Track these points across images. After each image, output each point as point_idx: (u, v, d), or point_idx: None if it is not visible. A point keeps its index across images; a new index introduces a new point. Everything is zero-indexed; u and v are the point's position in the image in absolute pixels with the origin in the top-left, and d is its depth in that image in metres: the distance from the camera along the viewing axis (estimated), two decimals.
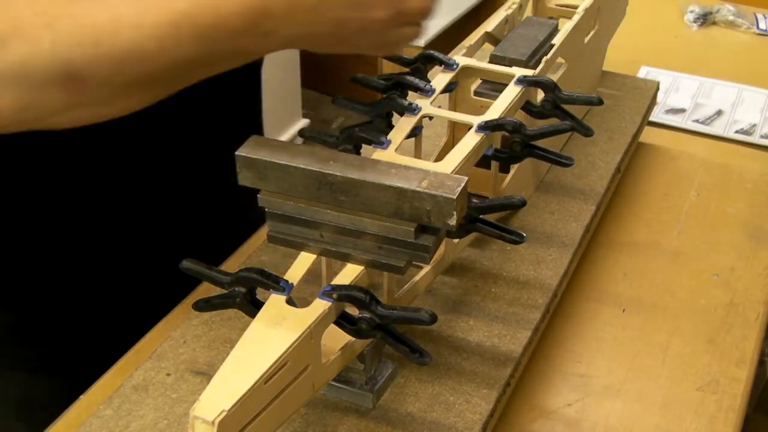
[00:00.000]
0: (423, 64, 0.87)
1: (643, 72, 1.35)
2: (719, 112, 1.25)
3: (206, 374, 0.73)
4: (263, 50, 0.65)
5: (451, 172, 0.71)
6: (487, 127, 0.77)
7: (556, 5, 1.07)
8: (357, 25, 0.65)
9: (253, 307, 0.64)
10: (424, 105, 0.80)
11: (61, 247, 0.82)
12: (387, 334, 0.63)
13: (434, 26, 2.74)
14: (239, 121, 0.91)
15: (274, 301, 0.62)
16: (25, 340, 0.86)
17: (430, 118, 0.81)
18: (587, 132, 0.82)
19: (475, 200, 0.73)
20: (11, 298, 0.84)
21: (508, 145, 0.79)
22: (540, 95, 0.84)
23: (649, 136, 1.15)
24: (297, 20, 0.62)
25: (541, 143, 0.80)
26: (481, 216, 0.73)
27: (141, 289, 0.87)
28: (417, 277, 0.75)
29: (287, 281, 0.63)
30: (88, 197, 0.80)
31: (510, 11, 0.98)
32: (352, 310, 0.63)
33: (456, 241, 0.80)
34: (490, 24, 0.97)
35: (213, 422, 0.52)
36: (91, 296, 0.86)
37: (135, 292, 0.87)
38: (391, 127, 0.80)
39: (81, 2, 0.58)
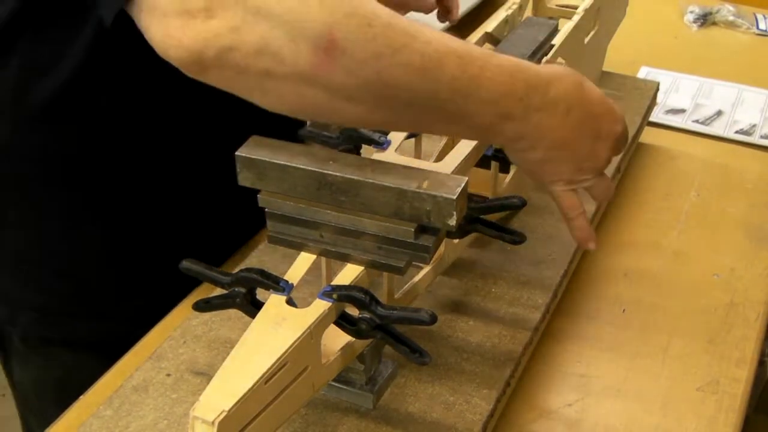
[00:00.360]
0: None
1: (643, 72, 1.35)
2: (719, 113, 1.25)
3: (206, 374, 0.73)
4: (495, 131, 0.64)
5: (451, 172, 0.71)
6: None
7: (556, 5, 1.07)
8: (588, 146, 0.68)
9: (253, 307, 0.64)
10: None
11: (67, 248, 0.82)
12: (387, 335, 0.63)
13: (434, 26, 2.74)
14: (240, 123, 0.91)
15: (274, 302, 0.62)
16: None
17: None
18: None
19: (475, 200, 0.73)
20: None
21: None
22: None
23: (649, 136, 1.15)
24: (545, 114, 0.64)
25: None
26: (481, 216, 0.73)
27: (141, 289, 0.87)
28: (417, 277, 0.75)
29: (287, 281, 0.63)
30: (90, 198, 0.80)
31: (510, 11, 0.98)
32: (352, 310, 0.63)
33: (456, 241, 0.80)
34: (490, 24, 0.97)
35: (213, 422, 0.52)
36: (93, 296, 0.86)
37: (136, 291, 0.87)
38: None
39: None
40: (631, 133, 1.06)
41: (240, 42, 0.53)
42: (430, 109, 0.59)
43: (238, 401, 0.54)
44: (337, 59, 0.54)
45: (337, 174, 0.62)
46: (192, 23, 0.53)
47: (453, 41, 0.59)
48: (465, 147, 0.75)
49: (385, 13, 0.55)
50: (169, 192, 0.85)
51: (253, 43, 0.53)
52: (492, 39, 0.97)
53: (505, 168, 0.87)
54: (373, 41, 0.54)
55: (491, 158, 0.80)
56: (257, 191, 0.66)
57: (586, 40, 1.01)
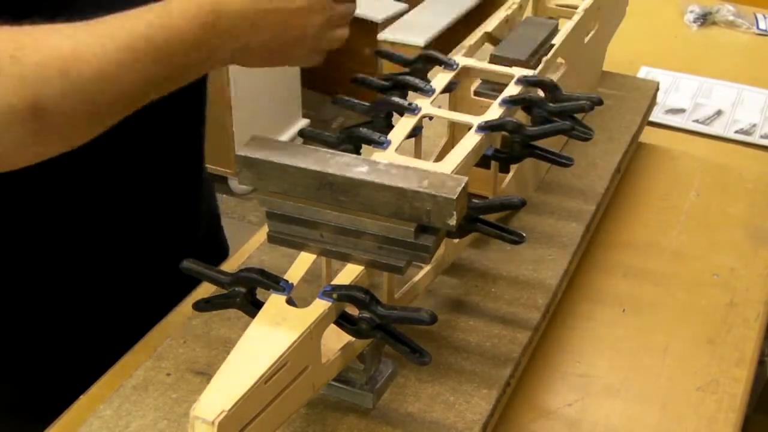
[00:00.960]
0: (423, 64, 0.87)
1: (643, 72, 1.35)
2: (719, 112, 1.25)
3: (206, 374, 0.73)
4: (208, 65, 0.66)
5: (451, 172, 0.71)
6: (487, 127, 0.77)
7: (556, 5, 1.07)
8: (296, 33, 0.68)
9: (253, 307, 0.64)
10: (424, 105, 0.80)
11: (61, 250, 0.82)
12: (387, 334, 0.63)
13: (434, 26, 2.74)
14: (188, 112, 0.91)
15: (274, 301, 0.62)
16: (22, 344, 0.86)
17: (430, 118, 0.81)
18: (586, 134, 0.82)
19: (475, 200, 0.73)
20: (9, 303, 0.84)
21: (508, 145, 0.79)
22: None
23: (649, 136, 1.15)
24: (241, 32, 0.65)
25: (540, 143, 0.80)
26: (481, 216, 0.73)
27: (141, 289, 0.87)
28: (417, 277, 0.75)
29: (287, 281, 0.63)
30: (86, 200, 0.80)
31: (510, 11, 0.98)
32: (352, 310, 0.63)
33: (456, 241, 0.80)
34: (490, 24, 0.97)
35: (213, 422, 0.52)
36: (93, 296, 0.86)
37: (136, 292, 0.87)
38: (391, 127, 0.80)
39: (42, 31, 0.58)
40: (631, 132, 1.06)
41: None
42: (136, 100, 0.62)
43: (238, 401, 0.54)
44: (51, 116, 0.57)
45: (337, 174, 0.62)
46: None
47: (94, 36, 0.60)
48: (465, 147, 0.75)
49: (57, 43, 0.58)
50: (169, 192, 0.85)
51: None
52: (492, 39, 0.97)
53: (505, 168, 0.87)
54: (74, 85, 0.57)
55: (491, 158, 0.80)
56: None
57: (586, 40, 1.01)
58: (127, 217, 0.84)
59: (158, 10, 0.62)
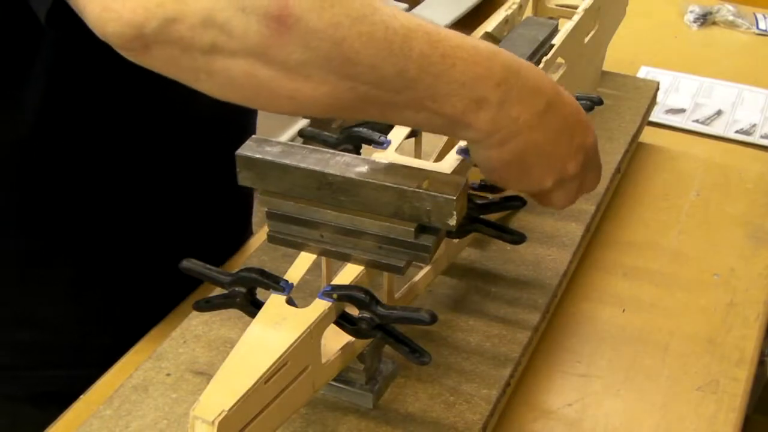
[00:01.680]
0: None
1: (643, 72, 1.35)
2: (719, 112, 1.25)
3: (206, 374, 0.73)
4: (466, 120, 0.57)
5: (451, 172, 0.71)
6: None
7: (556, 5, 1.07)
8: (564, 151, 0.63)
9: (253, 307, 0.64)
10: None
11: (62, 248, 0.82)
12: (387, 334, 0.63)
13: (439, 23, 2.74)
14: (236, 122, 0.91)
15: (274, 301, 0.62)
16: (24, 343, 0.86)
17: None
18: None
19: (475, 200, 0.73)
20: (12, 301, 0.84)
21: None
22: None
23: (649, 136, 1.15)
24: (523, 106, 0.58)
25: None
26: (481, 216, 0.73)
27: (141, 289, 0.87)
28: (417, 277, 0.75)
29: (287, 281, 0.63)
30: (88, 200, 0.80)
31: (510, 11, 0.98)
32: (352, 310, 0.63)
33: (456, 241, 0.80)
34: (490, 24, 0.97)
35: (213, 422, 0.52)
36: (93, 296, 0.86)
37: (136, 292, 0.87)
38: (391, 127, 0.80)
39: None
40: (631, 132, 1.06)
41: (184, 12, 0.48)
42: (397, 90, 0.54)
43: (238, 401, 0.54)
44: (291, 30, 0.49)
45: (337, 174, 0.62)
46: None
47: (421, 19, 0.54)
48: None
49: None
50: (168, 192, 0.85)
51: (198, 14, 0.48)
52: (492, 39, 0.97)
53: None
54: (330, 9, 0.49)
55: (478, 190, 0.80)
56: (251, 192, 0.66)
57: (586, 40, 1.01)
58: (157, 217, 0.84)
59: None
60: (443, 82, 0.54)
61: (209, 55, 0.50)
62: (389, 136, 0.76)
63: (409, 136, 0.78)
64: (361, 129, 0.77)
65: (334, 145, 0.77)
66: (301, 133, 0.82)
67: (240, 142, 0.65)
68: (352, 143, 0.77)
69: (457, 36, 0.55)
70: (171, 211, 0.86)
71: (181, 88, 0.54)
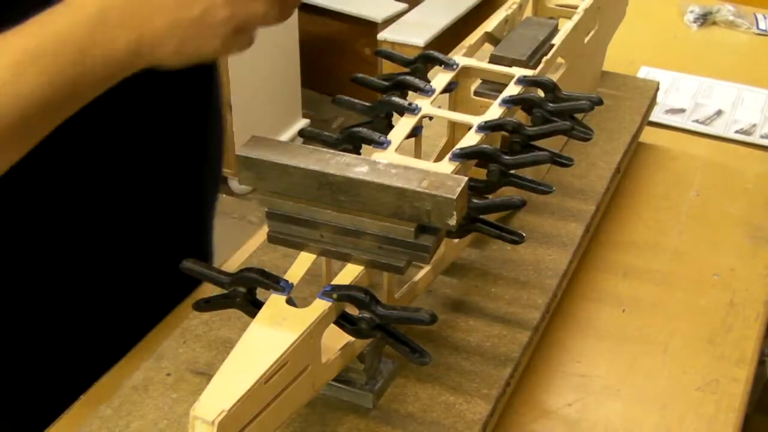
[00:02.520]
0: (423, 64, 0.87)
1: (643, 72, 1.35)
2: (719, 112, 1.25)
3: (206, 374, 0.73)
4: (110, 70, 0.59)
5: (451, 172, 0.71)
6: (487, 127, 0.77)
7: (556, 5, 1.07)
8: (195, 13, 0.59)
9: (253, 307, 0.64)
10: (424, 105, 0.80)
11: (61, 250, 0.82)
12: (387, 334, 0.63)
13: (434, 26, 2.74)
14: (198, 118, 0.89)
15: (274, 301, 0.62)
16: (22, 344, 0.86)
17: (430, 118, 0.81)
18: (586, 134, 0.81)
19: (475, 200, 0.73)
20: (9, 304, 0.83)
21: (508, 145, 0.79)
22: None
23: (649, 136, 1.15)
24: (134, 24, 0.58)
25: (540, 143, 0.80)
26: (481, 216, 0.73)
27: (141, 290, 0.87)
28: (417, 277, 0.75)
29: (287, 281, 0.63)
30: (84, 200, 0.80)
31: (510, 11, 0.98)
32: (352, 310, 0.63)
33: (456, 241, 0.80)
34: (490, 24, 0.97)
35: (213, 422, 0.52)
36: (93, 296, 0.86)
37: (135, 292, 0.87)
38: (391, 127, 0.80)
39: None
40: (631, 132, 1.06)
41: None
42: (31, 126, 0.56)
43: (238, 401, 0.54)
44: None
45: (337, 174, 0.62)
46: None
47: None
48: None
49: None
50: (167, 194, 0.85)
51: None
52: (492, 39, 0.97)
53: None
54: None
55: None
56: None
57: (586, 39, 1.01)
58: (128, 216, 0.83)
59: (41, 19, 0.57)
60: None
61: None
62: (389, 136, 0.76)
63: (409, 136, 0.78)
64: (361, 129, 0.77)
65: (334, 145, 0.77)
66: (301, 133, 0.82)
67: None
68: (352, 143, 0.77)
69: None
70: (172, 212, 0.86)
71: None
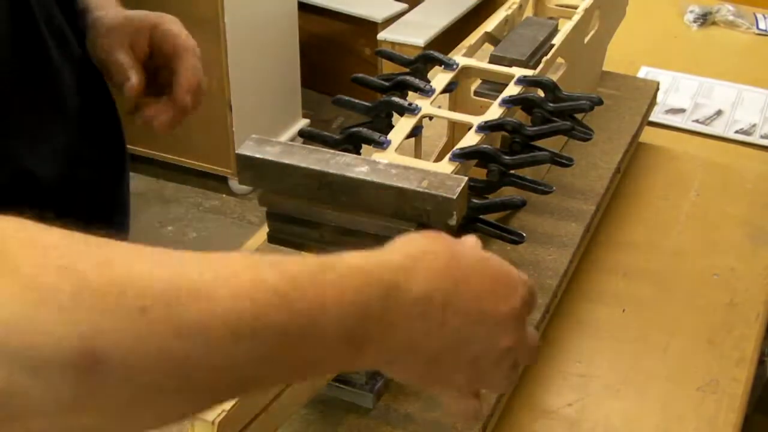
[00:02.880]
0: (423, 64, 0.87)
1: (643, 72, 1.35)
2: (719, 112, 1.25)
3: None
4: (350, 365, 0.47)
5: (451, 172, 0.71)
6: (487, 127, 0.77)
7: (556, 5, 1.07)
8: (483, 335, 0.49)
9: None
10: (424, 105, 0.80)
11: None
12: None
13: (434, 26, 2.74)
14: None
15: None
16: None
17: (430, 118, 0.81)
18: (586, 134, 0.82)
19: (475, 200, 0.73)
20: None
21: (508, 145, 0.79)
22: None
23: (649, 136, 1.15)
24: (419, 314, 0.46)
25: (541, 143, 0.80)
26: (481, 216, 0.73)
27: None
28: None
29: None
30: None
31: (510, 11, 0.98)
32: None
33: None
34: (490, 24, 0.97)
35: (213, 422, 0.52)
36: None
37: None
38: (391, 127, 0.80)
39: (137, 251, 0.41)
40: (631, 132, 1.06)
41: None
42: (219, 389, 0.41)
43: (238, 401, 0.54)
44: (103, 382, 0.38)
45: (337, 174, 0.62)
46: None
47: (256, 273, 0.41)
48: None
49: (160, 276, 0.39)
50: None
51: None
52: (492, 39, 0.97)
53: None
54: (150, 334, 0.38)
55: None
56: None
57: (586, 39, 1.01)
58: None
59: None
60: (308, 346, 0.42)
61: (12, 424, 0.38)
62: (389, 136, 0.76)
63: (409, 136, 0.78)
64: (361, 129, 0.77)
65: (334, 145, 0.77)
66: (301, 133, 0.82)
67: None
68: (352, 143, 0.77)
69: (311, 269, 0.43)
70: None
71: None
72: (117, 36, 0.76)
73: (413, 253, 0.48)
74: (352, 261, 0.45)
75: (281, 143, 0.66)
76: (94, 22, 0.77)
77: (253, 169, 0.64)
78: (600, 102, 0.83)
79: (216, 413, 0.53)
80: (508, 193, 0.80)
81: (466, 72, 0.88)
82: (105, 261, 0.39)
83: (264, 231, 0.81)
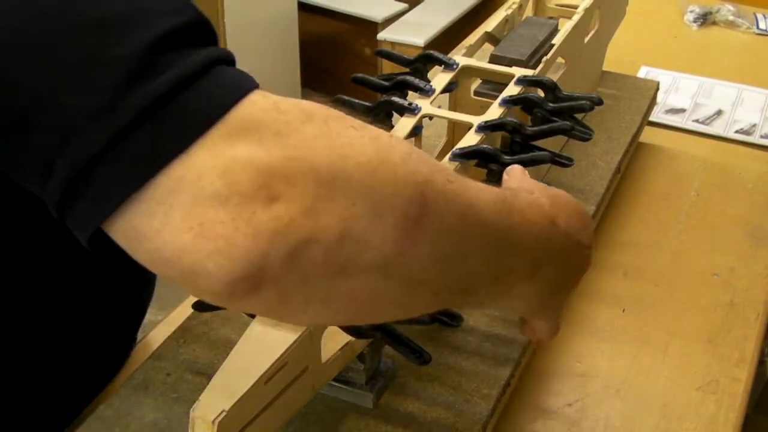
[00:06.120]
0: (423, 64, 0.87)
1: (643, 72, 1.35)
2: (719, 112, 1.25)
3: (206, 374, 0.73)
4: (518, 288, 0.55)
5: None
6: (487, 127, 0.77)
7: (556, 5, 1.07)
8: (574, 265, 0.62)
9: None
10: (424, 105, 0.80)
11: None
12: (386, 334, 0.63)
13: (434, 26, 2.74)
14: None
15: None
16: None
17: (430, 118, 0.80)
18: (586, 134, 0.81)
19: None
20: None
21: (508, 145, 0.79)
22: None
23: (649, 136, 1.15)
24: (565, 247, 0.58)
25: (541, 143, 0.80)
26: None
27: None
28: None
29: None
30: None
31: (510, 11, 0.98)
32: None
33: None
34: (490, 24, 0.97)
35: (213, 422, 0.52)
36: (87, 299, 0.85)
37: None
38: (391, 127, 0.80)
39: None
40: (631, 132, 1.06)
41: (319, 229, 0.37)
42: (482, 274, 0.49)
43: (238, 401, 0.54)
44: (424, 231, 0.41)
45: None
46: (248, 210, 0.36)
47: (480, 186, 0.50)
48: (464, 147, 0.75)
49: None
50: None
51: (335, 227, 0.38)
52: (492, 39, 0.97)
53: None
54: (454, 200, 0.44)
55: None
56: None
57: (586, 39, 1.01)
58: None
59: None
60: (512, 252, 0.51)
61: (335, 279, 0.39)
62: None
63: (409, 136, 0.78)
64: None
65: None
66: None
67: None
68: None
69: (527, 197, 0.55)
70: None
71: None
72: None
73: (550, 193, 0.58)
74: (521, 194, 0.55)
75: None
76: None
77: None
78: (600, 102, 0.83)
79: (216, 413, 0.53)
80: None
81: (466, 72, 0.88)
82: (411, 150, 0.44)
83: None
